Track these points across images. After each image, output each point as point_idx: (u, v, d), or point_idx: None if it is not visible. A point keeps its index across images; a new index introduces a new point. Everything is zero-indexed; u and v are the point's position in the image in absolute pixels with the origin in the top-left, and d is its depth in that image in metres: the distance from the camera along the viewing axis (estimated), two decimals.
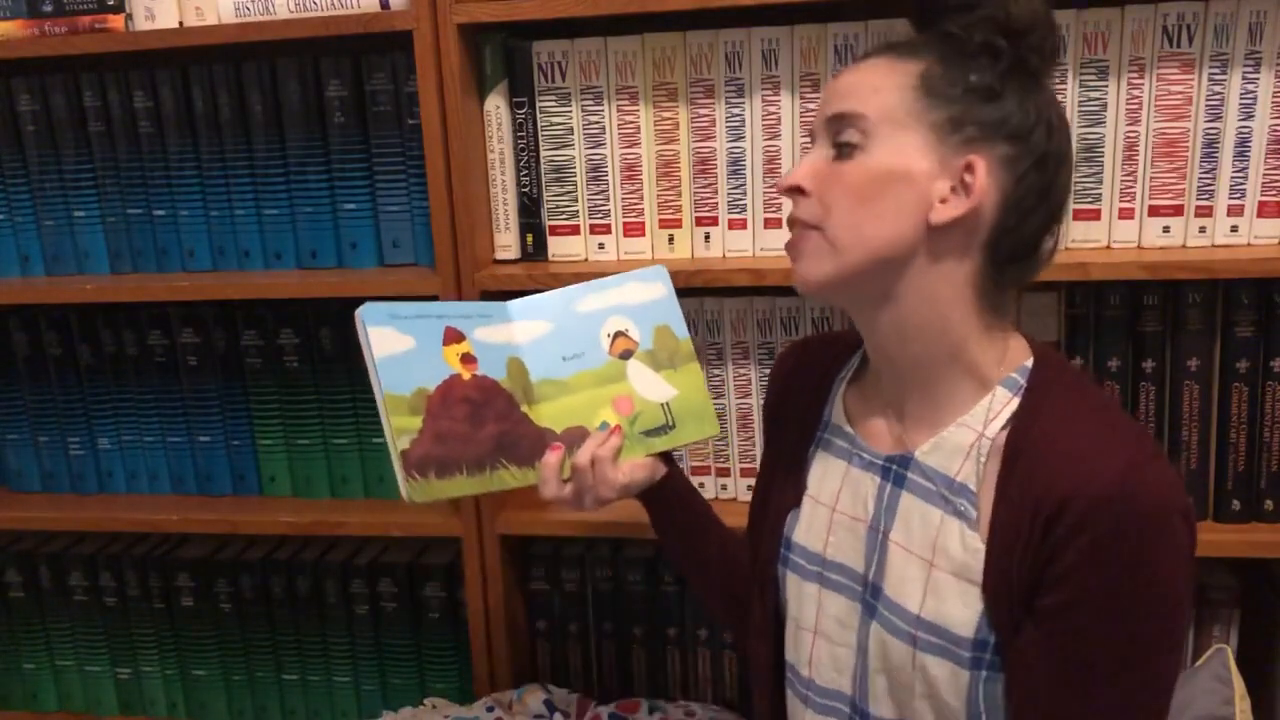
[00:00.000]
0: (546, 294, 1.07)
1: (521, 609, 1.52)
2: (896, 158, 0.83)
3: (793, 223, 0.89)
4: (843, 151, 0.85)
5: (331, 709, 1.60)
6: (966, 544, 0.85)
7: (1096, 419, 0.84)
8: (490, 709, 1.37)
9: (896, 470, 0.91)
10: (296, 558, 1.56)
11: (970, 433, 0.87)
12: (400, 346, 0.96)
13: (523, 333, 1.04)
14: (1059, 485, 0.79)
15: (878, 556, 0.91)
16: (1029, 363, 0.88)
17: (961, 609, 0.84)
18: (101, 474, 1.58)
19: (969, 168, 0.82)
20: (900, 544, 0.89)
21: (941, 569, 0.86)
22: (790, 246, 0.89)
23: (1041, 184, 0.84)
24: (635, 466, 1.02)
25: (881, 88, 0.85)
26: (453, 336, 1.00)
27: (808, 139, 1.29)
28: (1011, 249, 0.85)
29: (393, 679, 1.57)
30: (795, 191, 0.88)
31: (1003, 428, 0.86)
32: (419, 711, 1.41)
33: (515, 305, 1.05)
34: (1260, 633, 1.36)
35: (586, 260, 1.38)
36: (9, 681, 1.69)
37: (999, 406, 0.87)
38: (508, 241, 1.39)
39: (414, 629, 1.54)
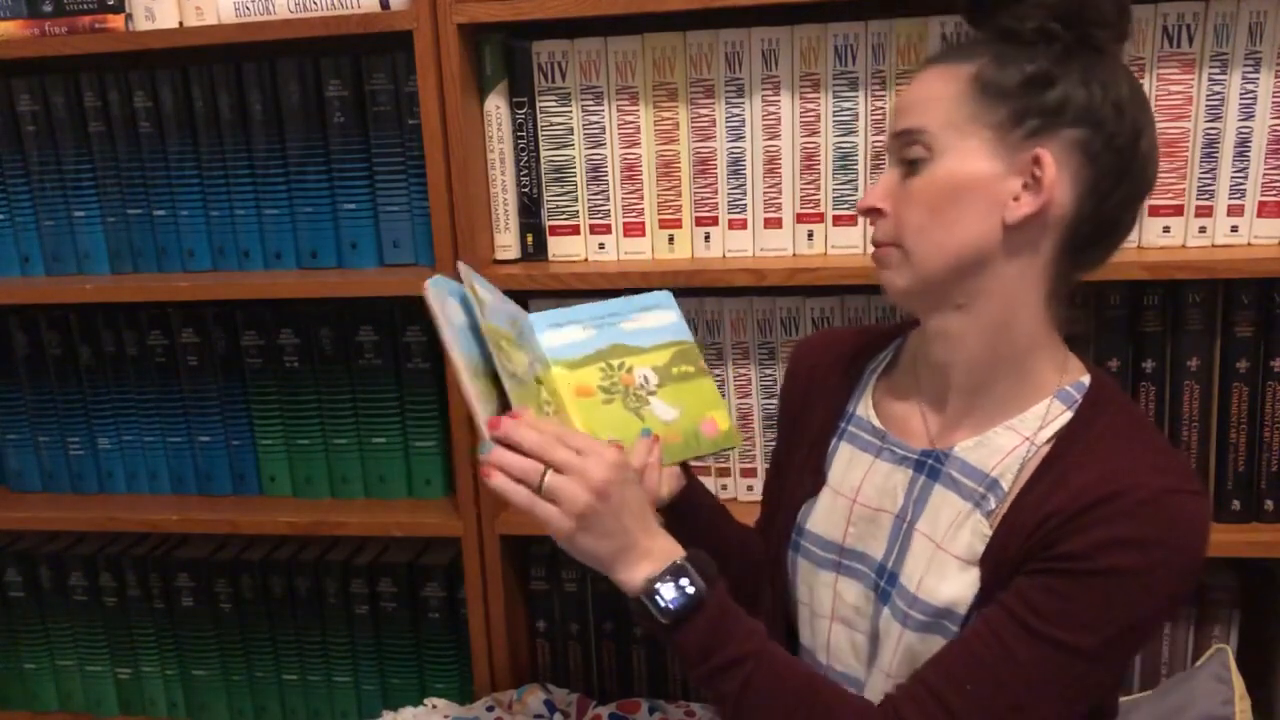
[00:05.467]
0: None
1: (521, 609, 1.52)
2: (962, 164, 0.84)
3: (875, 243, 0.91)
4: (911, 168, 0.86)
5: (331, 709, 1.60)
6: (976, 530, 0.87)
7: (1149, 444, 0.85)
8: (490, 709, 1.37)
9: (932, 464, 0.92)
10: (296, 558, 1.56)
11: (1017, 436, 0.89)
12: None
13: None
14: (1092, 489, 0.81)
15: (899, 545, 0.92)
16: (1086, 380, 0.90)
17: (965, 590, 0.86)
18: (101, 474, 1.58)
19: (1036, 161, 0.82)
20: (924, 533, 0.90)
21: (948, 551, 0.88)
22: (874, 259, 0.91)
23: (1118, 163, 0.83)
24: (668, 476, 1.02)
25: (938, 97, 0.85)
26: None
27: (811, 138, 1.30)
28: (1092, 232, 0.85)
29: (393, 679, 1.57)
30: (872, 213, 0.89)
31: (1048, 440, 0.87)
32: (419, 711, 1.41)
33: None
34: (1260, 633, 1.36)
35: (586, 260, 1.38)
36: (9, 681, 1.69)
37: (1052, 417, 0.88)
38: (508, 241, 1.39)
39: (414, 629, 1.54)
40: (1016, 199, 0.83)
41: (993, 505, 0.87)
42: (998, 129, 0.83)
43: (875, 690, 0.93)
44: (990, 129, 0.83)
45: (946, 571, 0.87)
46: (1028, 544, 0.83)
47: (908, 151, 0.86)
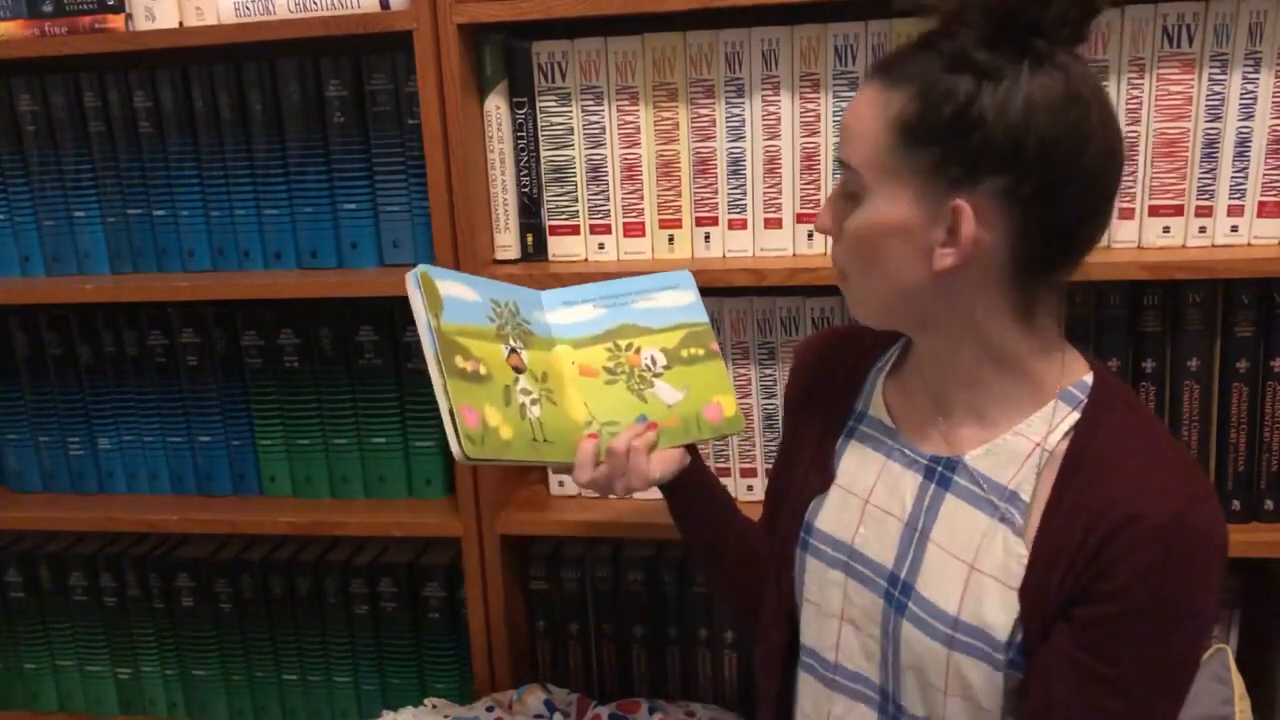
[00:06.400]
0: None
1: (521, 609, 1.52)
2: (889, 210, 0.83)
3: (833, 262, 0.92)
4: (850, 200, 0.86)
5: (331, 709, 1.60)
6: (1010, 549, 0.85)
7: (1157, 444, 0.85)
8: (490, 709, 1.37)
9: (942, 472, 0.91)
10: (296, 558, 1.56)
11: (1027, 442, 0.87)
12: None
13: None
14: (1120, 503, 0.80)
15: (913, 555, 0.91)
16: (1088, 378, 0.88)
17: (1000, 612, 0.85)
18: (101, 474, 1.58)
19: (956, 212, 0.80)
20: (941, 545, 0.89)
21: (983, 572, 0.86)
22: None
23: (1048, 198, 0.80)
24: (665, 459, 1.03)
25: (868, 133, 0.83)
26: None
27: (811, 138, 1.30)
28: (1037, 259, 0.83)
29: (393, 679, 1.57)
30: (829, 232, 0.90)
31: (1062, 439, 0.86)
32: (419, 711, 1.41)
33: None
34: (1260, 633, 1.36)
35: (586, 260, 1.38)
36: (9, 681, 1.69)
37: (1059, 418, 0.87)
38: (508, 241, 1.39)
39: (414, 629, 1.54)
40: (943, 245, 0.82)
41: (1018, 520, 0.85)
42: (921, 175, 0.81)
43: (913, 702, 0.91)
44: (914, 175, 0.81)
45: (986, 595, 0.86)
46: (1067, 578, 0.82)
47: (846, 184, 0.87)
